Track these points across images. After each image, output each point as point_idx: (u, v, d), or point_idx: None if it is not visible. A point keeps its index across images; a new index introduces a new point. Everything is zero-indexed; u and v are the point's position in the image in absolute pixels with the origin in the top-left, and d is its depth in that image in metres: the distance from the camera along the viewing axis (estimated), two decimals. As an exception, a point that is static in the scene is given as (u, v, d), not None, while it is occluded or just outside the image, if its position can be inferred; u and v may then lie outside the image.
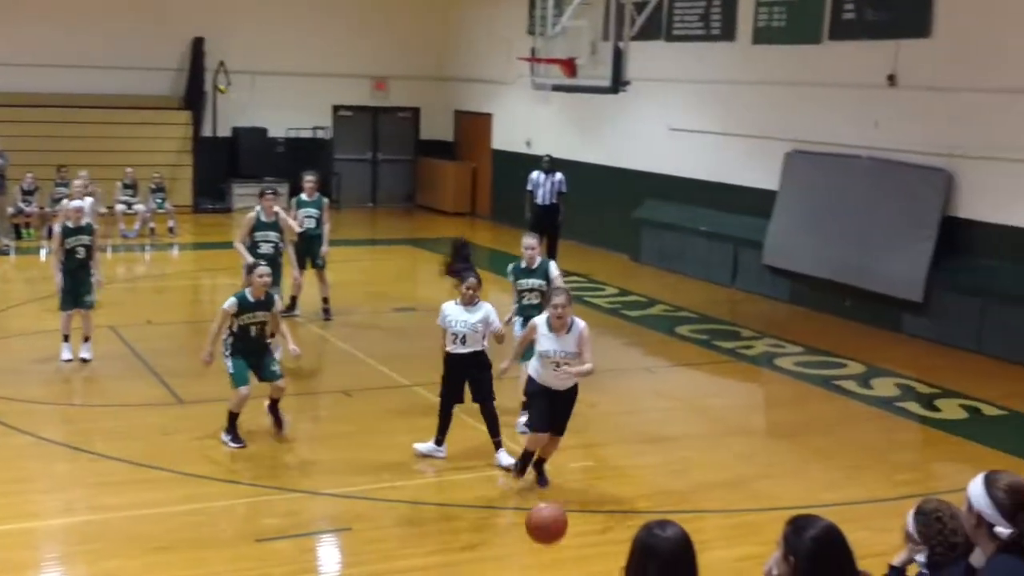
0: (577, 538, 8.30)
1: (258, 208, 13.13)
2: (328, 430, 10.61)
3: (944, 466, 10.54)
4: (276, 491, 9.00)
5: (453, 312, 9.64)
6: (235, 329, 9.86)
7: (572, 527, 8.51)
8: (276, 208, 13.18)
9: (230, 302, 9.82)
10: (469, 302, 9.57)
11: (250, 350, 9.93)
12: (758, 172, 17.90)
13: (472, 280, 9.59)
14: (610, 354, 14.49)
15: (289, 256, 13.46)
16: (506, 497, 9.09)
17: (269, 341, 10.27)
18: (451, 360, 9.64)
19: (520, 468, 9.25)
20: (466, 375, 9.62)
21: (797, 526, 4.40)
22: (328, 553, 8.21)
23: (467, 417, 11.06)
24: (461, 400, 9.73)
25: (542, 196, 18.87)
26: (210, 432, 10.08)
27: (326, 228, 14.75)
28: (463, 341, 9.53)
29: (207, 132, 24.97)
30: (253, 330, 9.92)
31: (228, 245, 21.34)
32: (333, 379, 12.27)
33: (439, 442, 9.76)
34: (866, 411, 11.96)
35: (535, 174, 19.03)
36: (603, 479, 9.72)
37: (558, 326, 8.88)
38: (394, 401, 11.66)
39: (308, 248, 14.62)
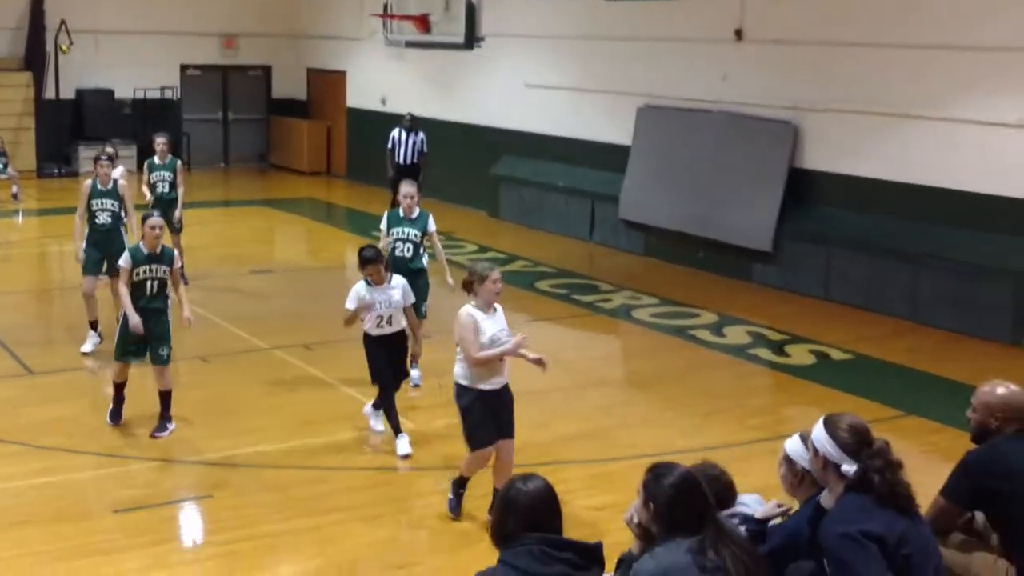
0: (443, 495, 8.36)
1: (95, 176, 12.31)
2: (186, 396, 10.40)
3: (795, 409, 10.88)
4: (134, 460, 8.84)
5: (372, 294, 9.10)
6: (130, 287, 9.35)
7: (437, 484, 8.61)
8: (113, 175, 12.32)
9: (124, 257, 9.35)
10: (380, 282, 9.14)
11: (147, 316, 9.31)
12: (613, 127, 18.09)
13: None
14: (470, 311, 14.56)
15: (130, 225, 12.60)
16: (373, 458, 9.09)
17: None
18: (377, 341, 9.17)
19: (457, 503, 7.87)
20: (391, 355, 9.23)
21: (656, 473, 4.51)
22: (189, 521, 8.11)
23: (342, 386, 11.04)
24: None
25: (403, 155, 18.64)
26: (62, 403, 9.83)
27: (180, 191, 14.33)
28: (389, 321, 9.18)
29: (50, 94, 24.11)
30: (149, 286, 9.35)
31: (74, 211, 20.85)
32: (189, 345, 12.02)
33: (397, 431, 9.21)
34: (719, 359, 12.26)
35: (396, 132, 18.82)
36: (466, 435, 9.77)
37: (492, 303, 7.94)
38: (253, 365, 11.53)
39: (163, 213, 14.25)
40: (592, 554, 4.25)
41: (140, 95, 25.31)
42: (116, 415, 9.51)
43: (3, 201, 20.84)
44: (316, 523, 7.80)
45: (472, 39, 20.95)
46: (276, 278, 15.78)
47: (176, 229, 14.12)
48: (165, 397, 9.42)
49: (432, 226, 10.88)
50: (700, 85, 16.50)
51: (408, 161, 18.48)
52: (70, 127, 24.55)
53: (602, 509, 7.92)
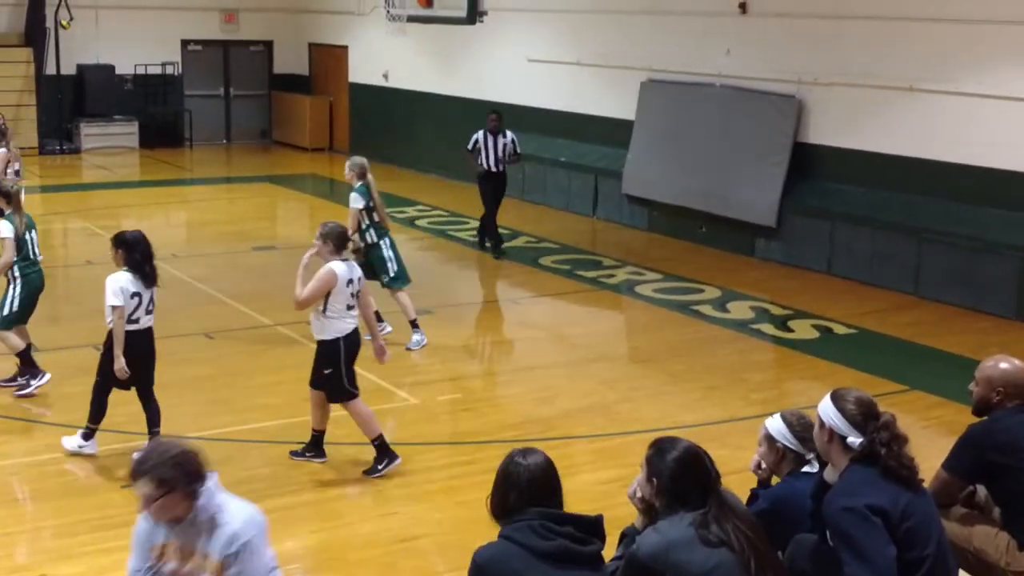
0: (445, 469, 8.41)
1: None
2: (191, 373, 10.44)
3: (798, 384, 10.90)
4: (139, 436, 8.84)
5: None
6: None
7: (441, 459, 8.64)
8: None
9: (6, 227, 9.41)
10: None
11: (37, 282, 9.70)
12: (615, 102, 18.03)
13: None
14: (475, 286, 14.60)
15: None
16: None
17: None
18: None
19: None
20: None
21: (659, 448, 4.53)
22: (195, 496, 8.12)
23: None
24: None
25: (490, 161, 15.52)
26: (71, 379, 9.84)
27: None
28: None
29: (50, 70, 24.05)
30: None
31: (78, 187, 20.87)
32: (194, 321, 12.06)
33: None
34: (723, 334, 12.26)
35: (480, 135, 15.64)
36: (470, 410, 9.81)
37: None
38: (257, 341, 11.54)
39: None
40: (592, 527, 4.27)
41: (141, 71, 25.25)
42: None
43: (3, 178, 20.80)
44: (320, 497, 7.84)
45: (474, 13, 20.86)
46: (279, 255, 15.76)
47: None
48: None
49: (352, 203, 11.17)
50: (704, 59, 16.44)
51: (497, 167, 15.55)
52: (71, 103, 24.50)
53: (606, 484, 7.94)
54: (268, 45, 27.19)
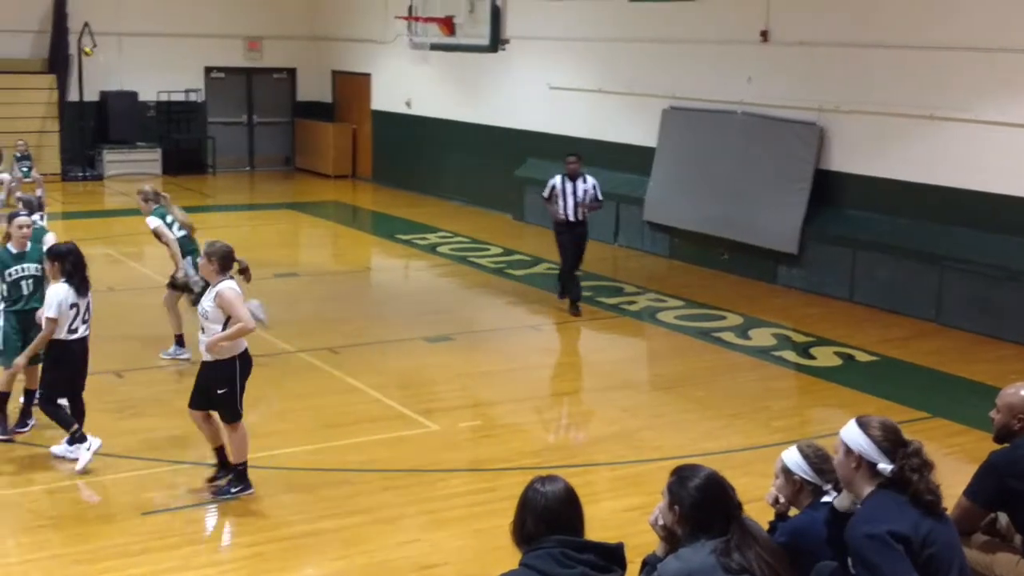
0: (466, 496, 8.39)
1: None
2: (212, 398, 10.46)
3: (820, 411, 10.84)
4: (159, 463, 8.88)
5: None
6: (5, 292, 9.33)
7: (461, 486, 8.62)
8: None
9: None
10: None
11: (23, 318, 9.22)
12: (637, 129, 18.07)
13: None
14: (497, 313, 14.60)
15: None
16: (398, 459, 9.10)
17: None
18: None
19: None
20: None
21: (681, 476, 4.51)
22: (216, 523, 8.14)
23: (367, 388, 11.10)
24: None
25: (568, 208, 13.86)
26: (93, 407, 9.86)
27: None
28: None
29: (73, 97, 24.28)
30: (24, 285, 9.31)
31: (100, 214, 20.99)
32: (216, 347, 12.09)
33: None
34: (744, 361, 12.23)
35: (557, 180, 13.96)
36: (491, 437, 9.80)
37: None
38: (279, 368, 11.56)
39: None
40: (613, 555, 4.25)
41: (164, 98, 25.46)
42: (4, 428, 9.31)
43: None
44: (341, 524, 7.82)
45: (497, 41, 20.98)
46: (301, 282, 15.82)
47: None
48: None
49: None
50: (725, 87, 16.47)
51: (577, 216, 13.88)
52: (94, 130, 24.71)
53: (627, 511, 7.92)
54: (291, 72, 27.38)
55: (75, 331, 8.58)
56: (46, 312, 8.44)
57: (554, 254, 17.52)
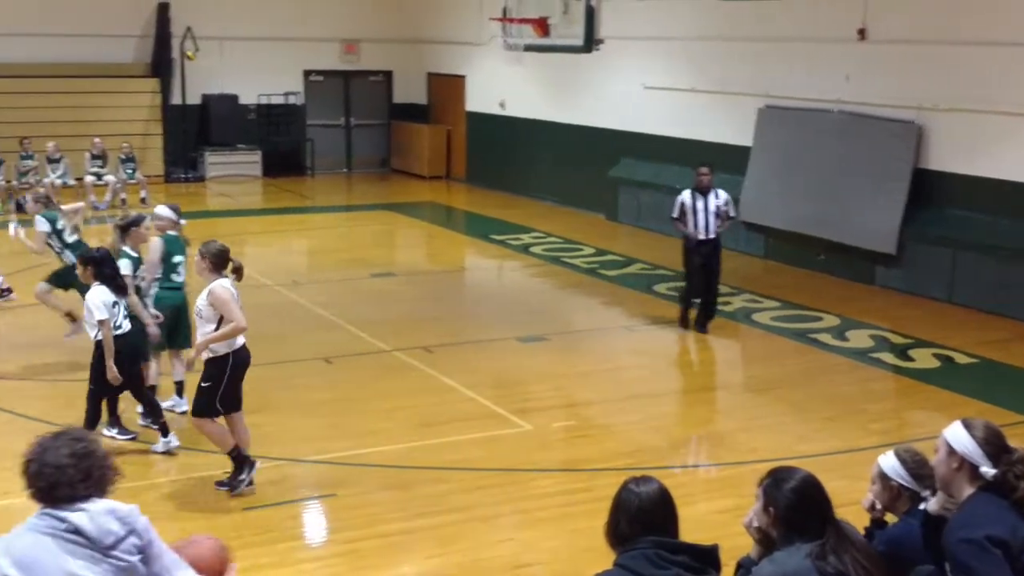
0: (561, 496, 8.43)
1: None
2: (310, 397, 10.65)
3: (918, 414, 10.68)
4: (259, 459, 9.04)
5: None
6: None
7: (555, 486, 8.66)
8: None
9: (123, 264, 9.48)
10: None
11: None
12: (732, 128, 17.95)
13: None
14: (589, 313, 14.61)
15: None
16: (491, 459, 9.17)
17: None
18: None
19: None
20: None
21: (776, 478, 4.49)
22: (314, 519, 8.29)
23: (461, 387, 11.19)
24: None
25: (701, 225, 12.86)
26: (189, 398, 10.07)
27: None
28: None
29: (176, 100, 24.81)
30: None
31: (202, 215, 21.42)
32: (313, 346, 12.30)
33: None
34: (841, 363, 12.09)
35: (686, 196, 12.94)
36: (585, 437, 9.82)
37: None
38: (375, 366, 11.71)
39: None
40: (708, 557, 4.24)
41: (264, 101, 25.88)
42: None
43: (132, 206, 21.46)
44: (436, 522, 7.91)
45: (591, 41, 20.98)
46: (397, 281, 15.99)
47: None
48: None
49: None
50: (822, 85, 16.28)
51: (709, 234, 12.90)
52: (196, 133, 25.22)
53: (723, 513, 7.89)
54: (388, 75, 27.64)
55: (119, 327, 8.80)
56: (98, 316, 8.60)
57: (647, 253, 17.57)
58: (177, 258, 10.06)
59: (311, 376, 11.39)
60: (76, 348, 11.97)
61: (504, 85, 23.83)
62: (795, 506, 4.38)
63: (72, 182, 21.33)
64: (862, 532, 4.98)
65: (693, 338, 13.20)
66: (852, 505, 5.31)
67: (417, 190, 24.90)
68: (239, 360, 8.29)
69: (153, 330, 9.49)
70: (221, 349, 8.19)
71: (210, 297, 8.15)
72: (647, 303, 14.62)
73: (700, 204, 12.82)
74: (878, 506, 5.11)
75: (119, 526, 3.93)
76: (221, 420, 8.38)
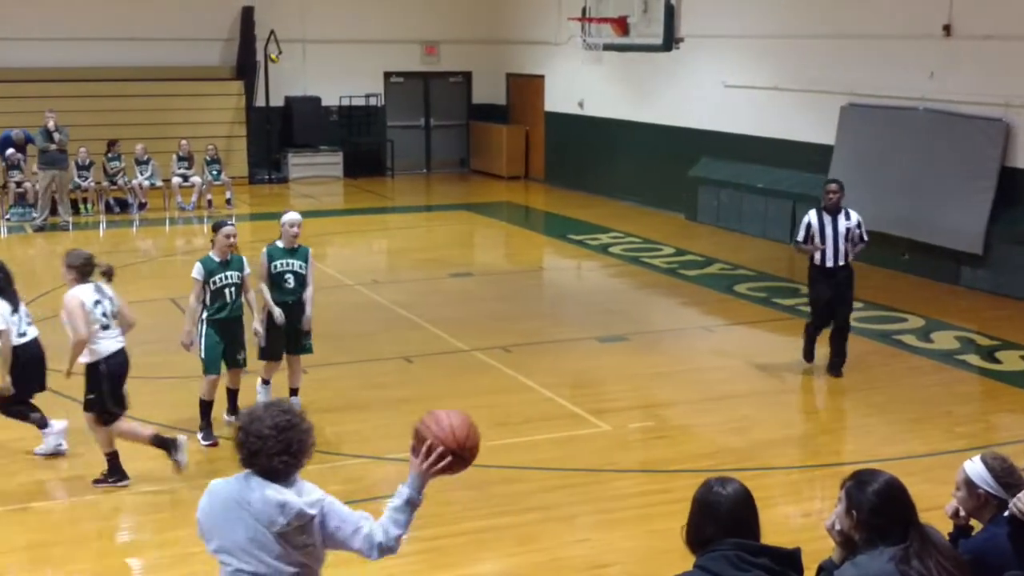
0: (640, 497, 8.41)
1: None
2: (390, 395, 10.73)
3: (1005, 417, 10.49)
4: (339, 457, 9.15)
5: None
6: (207, 300, 9.34)
7: (633, 486, 8.64)
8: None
9: (196, 268, 9.31)
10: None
11: (225, 326, 9.39)
12: (814, 126, 17.76)
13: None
14: (669, 314, 14.55)
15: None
16: (570, 459, 9.17)
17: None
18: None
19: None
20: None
21: (859, 480, 4.43)
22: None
23: (540, 387, 11.21)
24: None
25: (829, 252, 11.17)
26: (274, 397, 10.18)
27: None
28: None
29: (260, 102, 25.12)
30: (228, 293, 9.37)
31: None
32: (394, 345, 12.39)
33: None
34: (926, 365, 11.91)
35: (812, 216, 11.24)
36: (664, 438, 9.79)
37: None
38: (453, 366, 11.77)
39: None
40: (789, 560, 4.20)
41: (346, 102, 26.12)
42: (209, 435, 9.50)
43: (218, 207, 21.80)
44: (515, 521, 7.94)
45: (671, 40, 20.87)
46: (476, 281, 16.05)
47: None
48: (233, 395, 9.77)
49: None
50: (906, 82, 16.05)
51: (839, 260, 11.19)
52: (279, 134, 25.52)
53: (805, 516, 7.82)
54: (467, 76, 27.75)
55: (24, 334, 8.81)
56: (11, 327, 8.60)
57: (727, 253, 17.43)
58: (283, 264, 9.88)
59: (392, 375, 11.48)
60: (164, 348, 12.19)
61: (583, 85, 23.80)
62: (878, 509, 4.32)
63: (159, 183, 21.72)
64: (946, 536, 4.90)
65: (773, 339, 13.07)
66: (936, 509, 5.24)
67: (495, 190, 24.97)
68: (112, 366, 8.40)
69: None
70: (90, 358, 8.31)
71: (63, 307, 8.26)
72: (727, 303, 14.52)
73: (829, 226, 11.13)
74: (962, 513, 5.01)
75: (284, 519, 4.25)
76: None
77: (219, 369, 9.43)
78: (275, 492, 4.27)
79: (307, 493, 4.35)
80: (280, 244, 9.87)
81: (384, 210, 22.66)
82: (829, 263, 11.15)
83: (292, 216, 10.09)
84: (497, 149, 26.82)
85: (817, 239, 11.08)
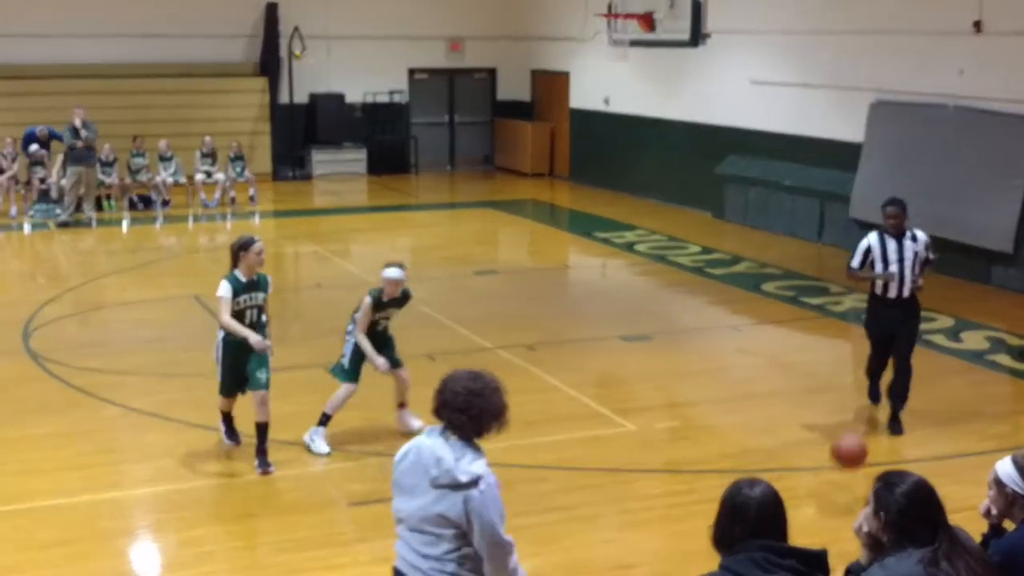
0: (665, 498, 8.34)
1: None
2: (413, 394, 10.65)
3: (1037, 419, 10.36)
4: (366, 455, 9.10)
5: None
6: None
7: (658, 487, 8.56)
8: None
9: (223, 287, 8.72)
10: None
11: (239, 349, 8.81)
12: (842, 124, 17.61)
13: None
14: (695, 312, 14.45)
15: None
16: (594, 458, 9.09)
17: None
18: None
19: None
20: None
21: (887, 482, 4.37)
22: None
23: (564, 386, 11.14)
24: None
25: (893, 281, 9.65)
26: (298, 397, 10.16)
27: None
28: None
29: (284, 99, 25.13)
30: (249, 315, 8.82)
31: (309, 213, 21.69)
32: (417, 343, 12.31)
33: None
34: (956, 365, 11.77)
35: (873, 239, 9.73)
36: (689, 438, 9.70)
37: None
38: (478, 364, 11.62)
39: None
40: (816, 561, 4.16)
41: (370, 99, 26.10)
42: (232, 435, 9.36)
43: (241, 204, 21.81)
44: (537, 521, 7.86)
45: (697, 36, 20.75)
46: (500, 279, 15.99)
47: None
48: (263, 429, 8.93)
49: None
50: (936, 79, 15.88)
51: (904, 291, 9.68)
52: (303, 131, 25.51)
53: (830, 517, 7.71)
54: (492, 72, 27.68)
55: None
56: None
57: (754, 252, 17.31)
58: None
59: (415, 373, 11.35)
60: (188, 345, 12.19)
61: (609, 81, 23.69)
62: (906, 511, 4.26)
63: (183, 180, 21.74)
64: (978, 539, 4.82)
65: (800, 338, 12.96)
66: (965, 511, 5.15)
67: (520, 187, 24.90)
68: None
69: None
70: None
71: None
72: (754, 302, 14.40)
73: (894, 251, 9.59)
74: (993, 512, 4.94)
75: (435, 471, 4.66)
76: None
77: (234, 393, 9.09)
78: (441, 446, 4.67)
79: (469, 463, 4.68)
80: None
81: (408, 207, 22.61)
82: (892, 293, 9.64)
83: (396, 273, 9.54)
84: (522, 146, 26.74)
85: (879, 266, 9.59)
